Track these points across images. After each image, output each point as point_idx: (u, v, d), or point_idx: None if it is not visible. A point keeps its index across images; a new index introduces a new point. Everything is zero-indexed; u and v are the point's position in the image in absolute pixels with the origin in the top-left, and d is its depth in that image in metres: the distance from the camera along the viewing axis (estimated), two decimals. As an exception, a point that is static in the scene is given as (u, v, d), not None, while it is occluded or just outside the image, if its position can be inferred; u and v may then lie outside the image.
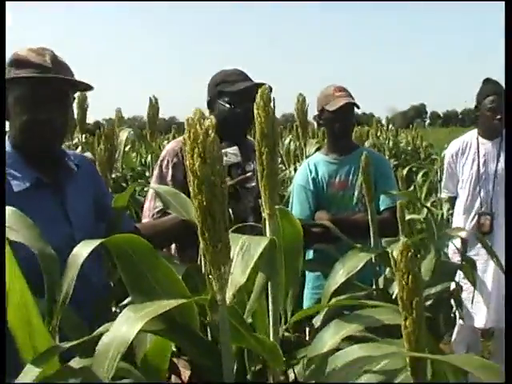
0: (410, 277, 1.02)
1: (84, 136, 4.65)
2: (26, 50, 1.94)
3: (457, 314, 3.87)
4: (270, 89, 1.26)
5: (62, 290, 1.17)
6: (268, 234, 1.27)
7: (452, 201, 4.34)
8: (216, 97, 2.77)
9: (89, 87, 2.05)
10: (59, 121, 1.96)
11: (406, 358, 1.10)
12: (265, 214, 1.26)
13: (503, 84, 3.11)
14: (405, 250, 1.02)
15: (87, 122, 4.73)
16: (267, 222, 1.27)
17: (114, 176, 4.20)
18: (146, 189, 4.43)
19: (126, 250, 1.17)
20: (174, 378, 2.32)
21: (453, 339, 4.26)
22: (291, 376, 1.77)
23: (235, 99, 2.71)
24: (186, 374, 2.07)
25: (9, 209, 1.36)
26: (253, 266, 1.16)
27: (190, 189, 1.01)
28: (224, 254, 1.02)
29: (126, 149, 7.59)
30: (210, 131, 1.00)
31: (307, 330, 2.26)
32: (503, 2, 2.08)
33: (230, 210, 2.29)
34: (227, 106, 2.71)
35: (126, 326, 1.00)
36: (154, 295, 1.14)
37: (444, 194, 4.42)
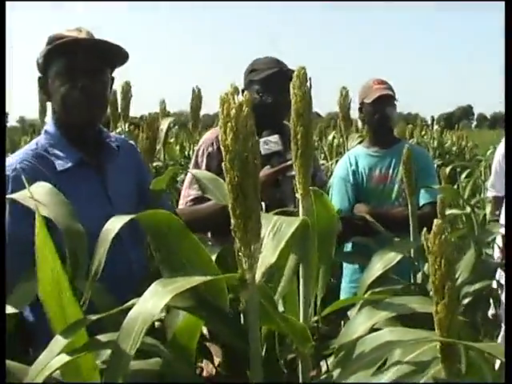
0: (443, 260, 0.99)
1: (127, 125, 4.68)
2: (66, 29, 1.98)
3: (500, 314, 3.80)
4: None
5: (93, 264, 1.17)
6: (301, 215, 1.26)
7: (498, 200, 4.11)
8: (248, 86, 2.74)
9: (123, 55, 2.03)
10: (97, 91, 1.97)
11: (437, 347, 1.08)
12: (298, 195, 1.25)
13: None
14: (438, 232, 1.00)
15: (133, 115, 4.77)
16: (300, 203, 1.25)
17: (155, 165, 4.23)
18: (182, 176, 4.45)
19: (158, 225, 1.17)
20: (205, 363, 2.33)
21: (499, 341, 4.16)
22: (324, 367, 1.76)
23: (263, 88, 2.68)
24: (216, 360, 2.08)
25: (44, 185, 1.38)
26: (285, 247, 1.15)
27: (223, 164, 1.00)
28: (254, 231, 1.02)
29: (171, 141, 7.65)
30: (244, 106, 0.99)
31: (342, 323, 2.24)
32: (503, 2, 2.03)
33: (271, 198, 2.29)
34: (256, 95, 2.68)
35: (153, 300, 0.99)
36: (184, 272, 1.14)
37: (490, 193, 4.26)
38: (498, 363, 2.02)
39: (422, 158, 3.14)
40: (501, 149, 4.16)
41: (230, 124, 0.98)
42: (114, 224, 1.19)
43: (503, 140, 4.16)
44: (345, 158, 3.42)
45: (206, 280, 1.05)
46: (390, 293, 1.70)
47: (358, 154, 3.31)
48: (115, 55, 2.03)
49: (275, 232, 1.17)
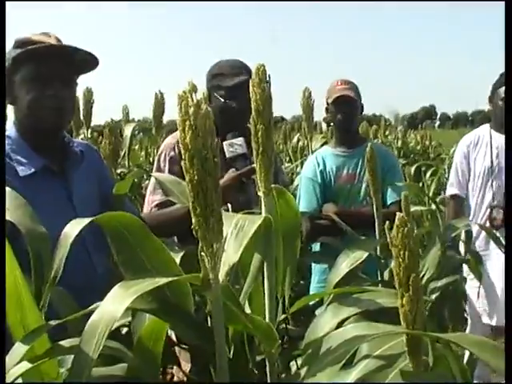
0: (407, 252, 0.99)
1: (90, 132, 4.64)
2: (31, 34, 1.95)
3: (467, 309, 3.84)
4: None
5: (52, 269, 1.15)
6: (263, 213, 1.25)
7: (458, 200, 4.08)
8: (213, 89, 2.71)
9: (94, 62, 2.02)
10: (66, 98, 1.96)
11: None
12: (260, 193, 1.24)
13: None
14: (401, 224, 0.99)
15: (96, 123, 4.74)
16: (262, 201, 1.25)
17: (119, 171, 4.19)
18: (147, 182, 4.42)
19: (118, 227, 1.15)
20: (175, 369, 2.31)
21: None
22: (293, 368, 1.75)
23: (231, 94, 2.66)
24: (186, 366, 2.06)
25: (6, 190, 1.35)
26: (248, 246, 1.14)
27: (182, 163, 0.99)
28: (216, 230, 1.00)
29: (135, 147, 7.60)
30: (202, 104, 0.98)
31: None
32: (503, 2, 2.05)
33: (236, 201, 2.28)
34: (222, 100, 2.66)
35: (114, 302, 0.98)
36: (147, 274, 1.12)
37: (451, 191, 4.12)
38: (466, 355, 2.04)
39: (387, 158, 3.17)
40: (463, 143, 4.08)
41: (188, 122, 0.97)
42: (74, 227, 1.17)
43: (463, 138, 4.13)
44: (312, 158, 3.43)
45: (169, 281, 1.04)
46: (358, 290, 1.70)
47: (325, 155, 3.33)
48: (87, 63, 2.01)
49: (238, 231, 1.16)
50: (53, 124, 1.97)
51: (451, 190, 4.07)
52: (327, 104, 3.32)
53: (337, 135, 3.41)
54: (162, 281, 1.03)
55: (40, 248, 1.25)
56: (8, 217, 1.24)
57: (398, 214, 1.01)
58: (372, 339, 1.09)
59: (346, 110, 3.22)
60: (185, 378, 2.14)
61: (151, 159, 7.30)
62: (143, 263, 1.15)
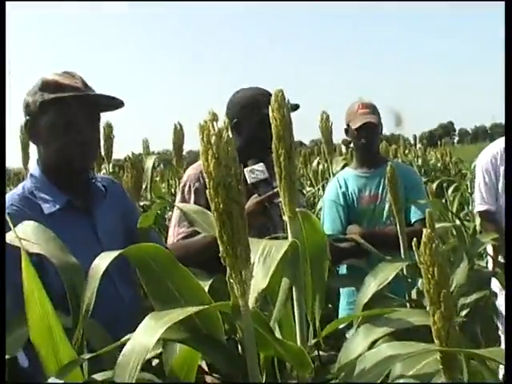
0: (436, 269, 0.98)
1: (111, 166, 4.68)
2: (52, 74, 1.96)
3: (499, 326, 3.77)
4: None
5: (84, 302, 1.15)
6: (289, 238, 1.25)
7: (489, 216, 3.76)
8: (245, 119, 2.68)
9: (121, 104, 2.06)
10: (94, 140, 2.02)
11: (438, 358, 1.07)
12: (285, 217, 1.24)
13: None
14: (428, 241, 0.99)
15: (116, 157, 4.78)
16: (288, 225, 1.25)
17: (142, 204, 4.21)
18: (170, 213, 4.43)
19: (145, 258, 1.15)
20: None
21: None
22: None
23: (267, 120, 2.64)
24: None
25: (31, 223, 1.36)
26: (276, 271, 1.14)
27: (207, 192, 1.00)
28: (244, 257, 1.01)
29: (156, 179, 7.64)
30: (224, 132, 0.99)
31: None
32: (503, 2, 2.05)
33: (260, 226, 2.27)
34: (259, 126, 2.63)
35: (146, 333, 0.98)
36: (176, 304, 1.13)
37: (480, 207, 3.82)
38: (501, 371, 2.01)
39: (410, 176, 3.16)
40: (486, 155, 3.88)
41: (210, 151, 0.97)
42: (103, 260, 1.18)
43: (483, 153, 3.99)
44: (334, 180, 3.42)
45: (199, 310, 1.04)
46: (387, 311, 1.69)
47: (346, 177, 3.32)
48: (113, 106, 2.07)
49: (265, 257, 1.16)
50: (82, 166, 2.01)
51: (479, 207, 3.89)
52: (347, 126, 3.31)
53: (358, 157, 3.41)
54: (193, 310, 1.03)
55: (74, 279, 1.25)
56: (39, 250, 1.25)
57: (424, 230, 1.01)
58: (406, 358, 1.08)
59: (370, 135, 3.22)
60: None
61: (173, 190, 7.33)
62: (172, 293, 1.16)
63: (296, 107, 2.52)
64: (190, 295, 1.16)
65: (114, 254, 1.18)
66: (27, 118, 1.95)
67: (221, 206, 0.98)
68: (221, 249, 1.01)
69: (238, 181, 0.99)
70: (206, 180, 1.00)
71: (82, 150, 1.95)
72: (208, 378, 1.94)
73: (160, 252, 1.16)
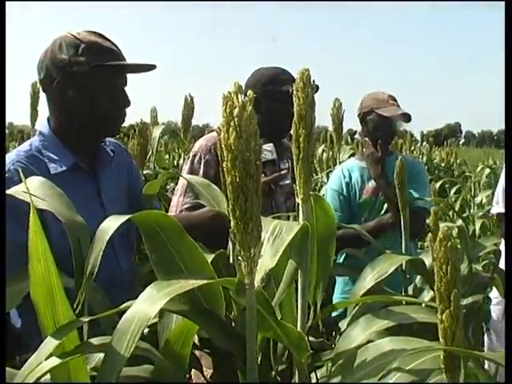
0: (449, 267, 0.97)
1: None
2: (86, 34, 1.95)
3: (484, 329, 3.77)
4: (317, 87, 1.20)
5: (88, 264, 1.13)
6: (301, 220, 1.23)
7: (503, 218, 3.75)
8: (266, 96, 2.66)
9: (152, 68, 2.07)
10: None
11: (439, 358, 1.05)
12: (299, 199, 1.22)
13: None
14: (444, 238, 0.97)
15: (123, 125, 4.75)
16: (300, 208, 1.23)
17: (145, 173, 4.19)
18: (171, 185, 4.40)
19: (153, 226, 1.14)
20: (194, 373, 2.29)
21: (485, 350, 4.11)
22: (313, 379, 1.72)
23: (287, 98, 2.63)
24: (208, 372, 2.04)
25: (38, 179, 1.34)
26: (283, 253, 1.13)
27: (224, 164, 0.98)
28: (254, 234, 0.99)
29: (161, 149, 7.60)
30: (248, 105, 0.96)
31: (333, 333, 2.22)
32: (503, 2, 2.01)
33: (264, 207, 2.26)
34: (279, 104, 2.62)
35: (148, 302, 0.97)
36: (180, 275, 1.11)
37: (496, 209, 3.93)
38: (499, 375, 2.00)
39: (414, 168, 3.12)
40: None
41: (232, 123, 0.95)
42: (110, 224, 1.16)
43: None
44: (338, 170, 3.38)
45: (204, 283, 1.02)
46: (382, 299, 1.68)
47: (351, 167, 3.29)
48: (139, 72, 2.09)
49: (275, 236, 1.15)
50: (116, 130, 2.07)
51: (496, 208, 3.93)
52: (367, 113, 3.23)
53: (368, 147, 3.35)
54: (196, 283, 1.01)
55: (80, 237, 1.23)
56: (45, 206, 1.22)
57: (440, 227, 0.99)
58: (408, 355, 1.06)
59: (395, 128, 3.19)
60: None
61: (175, 162, 7.30)
62: (177, 263, 1.14)
63: (317, 89, 2.50)
64: (195, 268, 1.14)
65: (123, 217, 1.16)
66: (59, 77, 1.90)
67: (237, 179, 0.96)
68: (232, 224, 0.99)
69: (256, 156, 0.98)
70: (224, 152, 0.97)
71: (123, 114, 2.01)
72: (197, 353, 1.93)
73: (169, 221, 1.14)
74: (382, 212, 3.14)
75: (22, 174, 1.18)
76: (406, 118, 3.17)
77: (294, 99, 1.22)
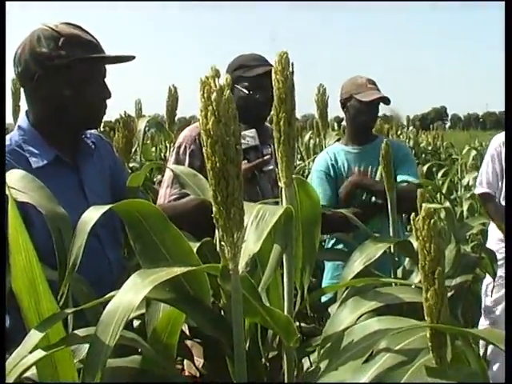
0: (433, 245, 0.96)
1: (102, 126, 4.62)
2: (64, 26, 1.92)
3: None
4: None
5: (71, 256, 1.12)
6: (284, 203, 1.22)
7: (492, 198, 3.86)
8: (234, 82, 2.69)
9: (131, 58, 2.07)
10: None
11: (426, 337, 1.05)
12: (281, 183, 1.22)
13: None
14: (427, 216, 0.97)
15: (106, 119, 4.74)
16: (283, 191, 1.22)
17: (131, 166, 4.17)
18: (158, 177, 4.39)
19: (135, 215, 1.13)
20: (186, 363, 2.29)
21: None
22: (306, 364, 1.72)
23: (254, 85, 2.64)
24: (199, 361, 2.04)
25: (19, 172, 1.33)
26: (268, 237, 1.12)
27: (203, 150, 0.97)
28: (237, 219, 0.98)
29: (147, 142, 7.57)
30: (225, 90, 0.95)
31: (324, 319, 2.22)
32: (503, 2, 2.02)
33: (248, 193, 2.25)
34: (245, 91, 2.65)
35: (132, 291, 0.97)
36: (164, 263, 1.10)
37: (479, 190, 3.94)
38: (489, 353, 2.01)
39: (400, 148, 3.13)
40: (497, 138, 3.90)
41: (210, 108, 0.94)
42: (91, 214, 1.15)
43: (495, 137, 3.97)
44: (323, 153, 3.37)
45: (187, 270, 1.02)
46: (371, 282, 1.68)
47: (336, 151, 3.27)
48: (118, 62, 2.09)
49: (258, 221, 1.14)
50: (98, 122, 2.08)
51: (480, 188, 3.95)
52: (347, 98, 3.23)
53: (351, 132, 3.35)
54: (181, 270, 1.01)
55: (62, 228, 1.22)
56: (26, 199, 1.21)
57: (423, 205, 0.99)
58: (394, 334, 1.06)
59: (375, 111, 3.18)
60: (197, 373, 2.11)
61: (162, 155, 7.27)
62: (161, 252, 1.14)
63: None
64: (179, 256, 1.14)
65: (104, 208, 1.15)
66: (39, 71, 1.87)
67: (217, 164, 0.95)
68: (214, 209, 0.98)
69: (236, 140, 0.97)
70: (204, 138, 0.97)
71: (104, 106, 2.01)
72: (188, 342, 1.93)
73: (152, 210, 1.14)
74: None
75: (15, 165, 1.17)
76: (386, 101, 3.17)
77: (273, 84, 1.21)
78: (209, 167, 0.97)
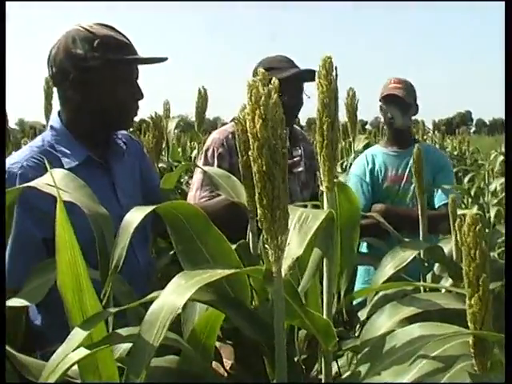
0: (478, 252, 0.96)
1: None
2: (98, 27, 1.95)
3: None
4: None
5: (113, 257, 1.13)
6: (325, 208, 1.22)
7: None
8: None
9: (164, 59, 2.08)
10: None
11: (465, 344, 1.05)
12: (323, 187, 1.22)
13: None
14: (473, 223, 0.97)
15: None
16: (325, 196, 1.22)
17: (160, 166, 4.20)
18: (185, 178, 4.41)
19: (179, 217, 1.14)
20: (215, 364, 2.29)
21: None
22: (334, 368, 1.72)
23: (283, 87, 2.64)
24: (228, 363, 2.04)
25: (61, 171, 1.34)
26: (309, 241, 1.12)
27: (250, 153, 0.97)
28: (282, 222, 0.98)
29: (173, 143, 7.61)
30: (273, 93, 0.96)
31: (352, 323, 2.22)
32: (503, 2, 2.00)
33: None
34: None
35: (176, 293, 0.97)
36: (206, 264, 1.11)
37: None
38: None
39: (439, 158, 3.14)
40: None
41: (258, 111, 0.95)
42: (135, 215, 1.16)
43: None
44: (362, 156, 3.40)
45: (231, 273, 1.02)
46: (401, 286, 1.68)
47: (375, 153, 3.30)
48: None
49: (301, 224, 1.14)
50: (128, 125, 2.11)
51: None
52: (380, 102, 3.29)
53: (388, 134, 3.38)
54: (225, 272, 1.01)
55: (104, 227, 1.23)
56: (68, 198, 1.22)
57: (468, 212, 0.99)
58: (437, 340, 1.06)
59: (395, 108, 3.19)
60: (225, 374, 2.12)
61: (188, 155, 7.30)
62: (202, 253, 1.14)
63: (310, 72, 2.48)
64: (221, 257, 1.14)
65: (148, 209, 1.16)
66: (73, 72, 1.90)
67: (263, 168, 0.96)
68: (259, 212, 0.99)
69: (283, 144, 0.97)
70: (250, 141, 0.97)
71: (136, 106, 2.03)
72: (217, 344, 1.94)
73: (193, 211, 1.14)
74: (408, 200, 3.15)
75: (30, 174, 1.18)
76: (397, 97, 3.19)
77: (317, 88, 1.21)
78: (255, 170, 0.97)
